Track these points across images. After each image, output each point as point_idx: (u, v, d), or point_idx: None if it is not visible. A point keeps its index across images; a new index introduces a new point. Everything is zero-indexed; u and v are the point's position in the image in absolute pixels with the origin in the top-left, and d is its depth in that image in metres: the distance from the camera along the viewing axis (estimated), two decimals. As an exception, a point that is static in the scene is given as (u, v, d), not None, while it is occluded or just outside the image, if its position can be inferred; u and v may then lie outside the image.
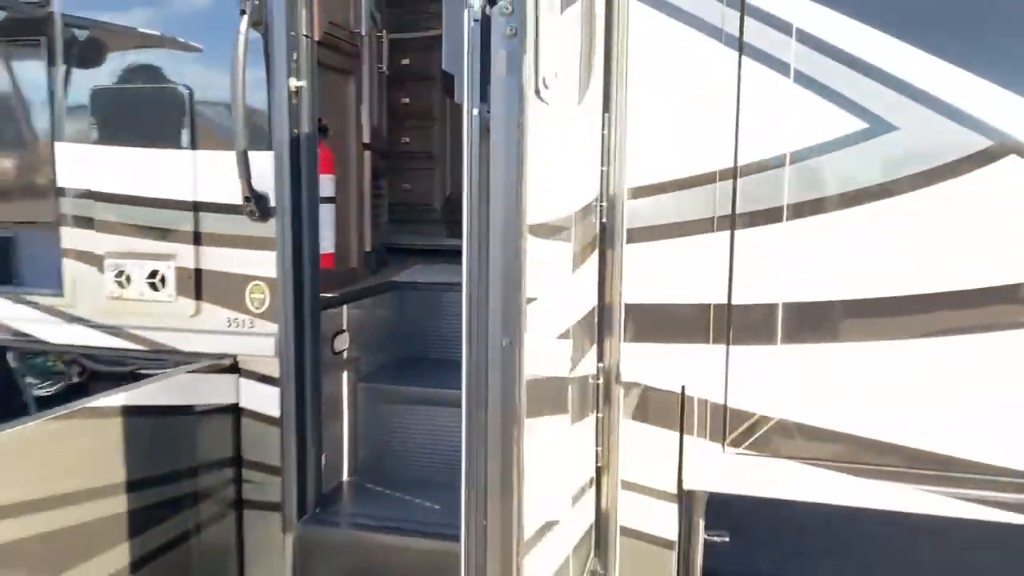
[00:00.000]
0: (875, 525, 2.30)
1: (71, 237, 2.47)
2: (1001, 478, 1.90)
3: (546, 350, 1.54)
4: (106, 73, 2.42)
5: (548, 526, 1.56)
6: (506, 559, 1.32)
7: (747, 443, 2.07)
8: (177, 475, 2.27)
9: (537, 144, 1.33)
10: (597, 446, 2.14)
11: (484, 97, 1.26)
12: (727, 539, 2.24)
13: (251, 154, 2.25)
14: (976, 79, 1.85)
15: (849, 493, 2.01)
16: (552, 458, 1.66)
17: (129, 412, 2.05)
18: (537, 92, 1.31)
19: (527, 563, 1.36)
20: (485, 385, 1.29)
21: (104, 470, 1.98)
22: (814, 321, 2.00)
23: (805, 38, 1.93)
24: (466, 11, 1.24)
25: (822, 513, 2.18)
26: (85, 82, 2.42)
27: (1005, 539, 2.02)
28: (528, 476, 1.34)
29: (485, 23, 1.24)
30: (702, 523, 2.19)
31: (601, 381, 2.12)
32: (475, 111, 1.27)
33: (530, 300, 1.31)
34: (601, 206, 2.07)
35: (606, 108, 2.04)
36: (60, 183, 2.46)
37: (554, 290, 1.65)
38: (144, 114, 2.39)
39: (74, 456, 1.91)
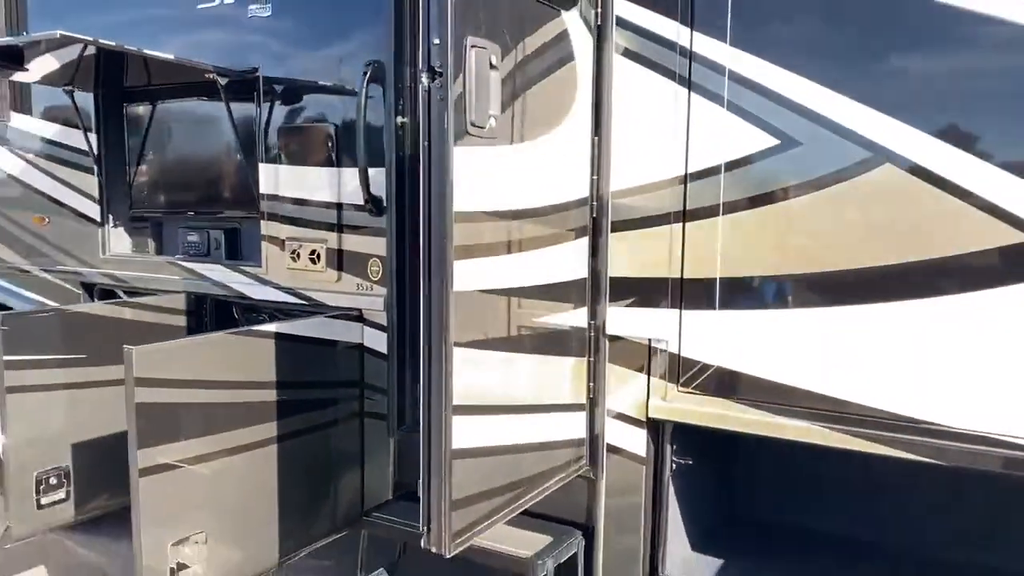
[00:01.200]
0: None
1: (267, 227, 3.64)
2: (875, 418, 2.40)
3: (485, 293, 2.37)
4: (289, 115, 3.57)
5: (490, 408, 2.38)
6: (438, 417, 2.17)
7: (694, 384, 2.71)
8: (323, 385, 3.33)
9: (470, 159, 2.18)
10: (589, 382, 2.89)
11: (430, 135, 2.12)
12: (691, 462, 2.88)
13: (371, 170, 3.26)
14: (858, 104, 2.37)
15: (768, 427, 2.58)
16: (501, 366, 2.47)
17: (286, 338, 3.13)
18: (467, 131, 2.15)
19: (458, 421, 2.20)
20: (429, 308, 2.15)
21: (269, 372, 3.06)
22: (741, 292, 2.60)
23: (734, 77, 2.55)
24: (421, 84, 2.12)
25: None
26: (276, 122, 3.59)
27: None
28: (458, 366, 2.18)
29: (430, 91, 2.11)
30: (669, 447, 2.85)
31: (592, 334, 2.86)
32: (426, 143, 2.13)
33: (459, 258, 2.15)
34: (592, 204, 2.81)
35: (596, 132, 2.79)
36: (262, 190, 3.64)
37: (507, 256, 2.47)
38: (309, 143, 3.50)
39: (252, 359, 3.01)
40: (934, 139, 2.27)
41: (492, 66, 2.22)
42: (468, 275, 2.21)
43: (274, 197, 3.59)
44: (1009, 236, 2.19)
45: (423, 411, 2.21)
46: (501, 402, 2.47)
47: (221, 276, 3.87)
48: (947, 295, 2.29)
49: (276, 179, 3.58)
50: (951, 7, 2.23)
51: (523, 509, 2.61)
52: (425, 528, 2.23)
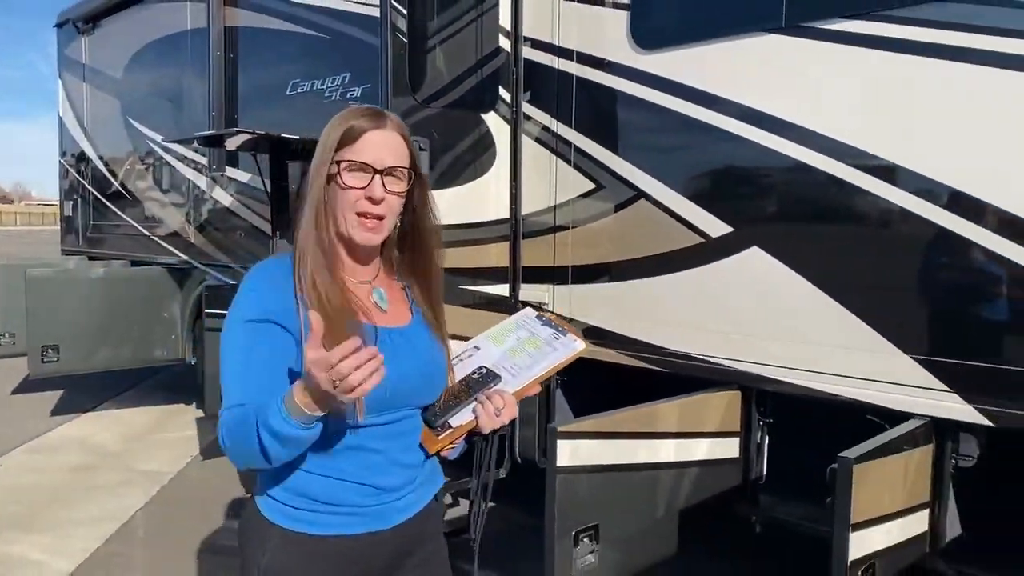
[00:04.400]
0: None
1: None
2: (640, 344, 4.07)
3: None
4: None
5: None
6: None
7: (559, 329, 4.48)
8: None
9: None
10: (510, 329, 4.72)
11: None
12: (566, 379, 4.63)
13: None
14: (629, 164, 4.08)
15: (597, 353, 4.29)
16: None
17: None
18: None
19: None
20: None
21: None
22: (582, 274, 4.35)
23: (578, 151, 4.34)
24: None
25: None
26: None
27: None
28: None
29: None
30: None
31: (513, 301, 4.71)
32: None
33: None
34: (511, 221, 4.67)
35: (513, 179, 4.65)
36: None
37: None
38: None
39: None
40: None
41: (421, 148, 4.22)
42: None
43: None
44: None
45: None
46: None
47: (333, 269, 6.12)
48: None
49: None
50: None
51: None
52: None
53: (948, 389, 3.04)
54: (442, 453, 1.96)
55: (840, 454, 2.59)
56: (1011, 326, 2.95)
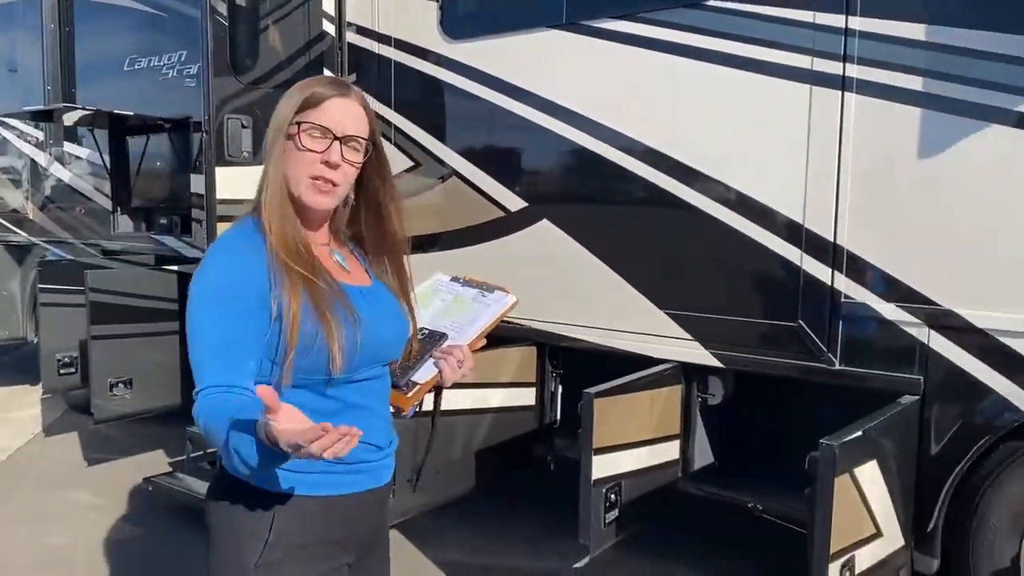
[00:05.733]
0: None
1: (194, 213, 5.96)
2: None
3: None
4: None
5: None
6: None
7: (383, 296, 4.85)
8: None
9: (227, 173, 4.42)
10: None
11: (205, 160, 4.37)
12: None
13: (242, 177, 5.54)
14: (439, 142, 4.47)
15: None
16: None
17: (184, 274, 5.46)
18: (225, 159, 4.39)
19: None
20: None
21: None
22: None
23: (400, 133, 4.69)
24: (203, 135, 4.36)
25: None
26: (197, 148, 5.91)
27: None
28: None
29: (202, 140, 4.35)
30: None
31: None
32: (205, 165, 4.38)
33: (220, 222, 4.40)
34: (339, 197, 4.99)
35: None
36: (192, 190, 5.96)
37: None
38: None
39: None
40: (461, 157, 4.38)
41: (244, 126, 4.46)
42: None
43: (196, 195, 5.92)
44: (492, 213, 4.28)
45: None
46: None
47: (175, 244, 6.24)
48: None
49: (197, 183, 5.92)
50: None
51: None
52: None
53: (691, 338, 3.61)
54: (404, 411, 1.96)
55: (584, 390, 3.09)
56: (738, 285, 3.53)
